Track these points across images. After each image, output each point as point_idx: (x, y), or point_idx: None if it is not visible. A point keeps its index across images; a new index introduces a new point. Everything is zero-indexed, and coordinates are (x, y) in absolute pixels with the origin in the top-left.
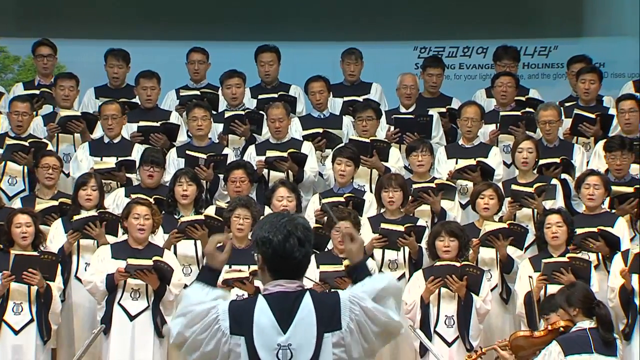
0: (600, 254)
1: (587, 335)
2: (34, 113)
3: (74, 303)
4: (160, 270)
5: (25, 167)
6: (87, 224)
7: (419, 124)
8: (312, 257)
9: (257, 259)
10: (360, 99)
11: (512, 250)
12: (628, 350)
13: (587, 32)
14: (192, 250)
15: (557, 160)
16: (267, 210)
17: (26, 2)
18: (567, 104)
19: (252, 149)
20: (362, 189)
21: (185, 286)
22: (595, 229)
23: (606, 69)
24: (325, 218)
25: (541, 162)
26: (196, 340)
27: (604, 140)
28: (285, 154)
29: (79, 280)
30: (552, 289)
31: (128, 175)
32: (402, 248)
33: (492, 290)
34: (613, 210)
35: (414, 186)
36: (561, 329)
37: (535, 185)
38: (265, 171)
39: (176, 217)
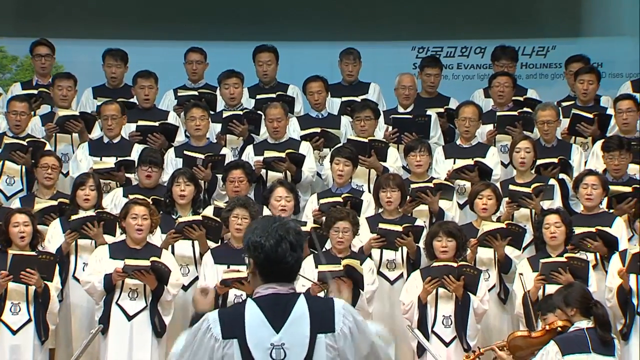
0: (598, 254)
1: (584, 335)
2: (32, 113)
3: (71, 303)
4: (158, 271)
5: (23, 167)
6: (85, 223)
7: (417, 124)
8: (311, 257)
9: (248, 263)
10: (359, 99)
11: (510, 250)
12: (626, 350)
13: (585, 32)
14: (190, 251)
15: (555, 160)
16: (266, 210)
17: (24, 1)
18: (565, 104)
19: (250, 149)
20: (361, 189)
21: (184, 286)
22: (593, 229)
23: (604, 69)
24: (324, 218)
25: (539, 162)
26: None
27: (602, 140)
28: (283, 155)
29: (77, 280)
30: (551, 289)
31: (127, 175)
32: (400, 248)
33: (490, 290)
34: (611, 210)
35: (412, 186)
36: (559, 329)
37: (533, 186)
38: (263, 171)
39: (174, 217)
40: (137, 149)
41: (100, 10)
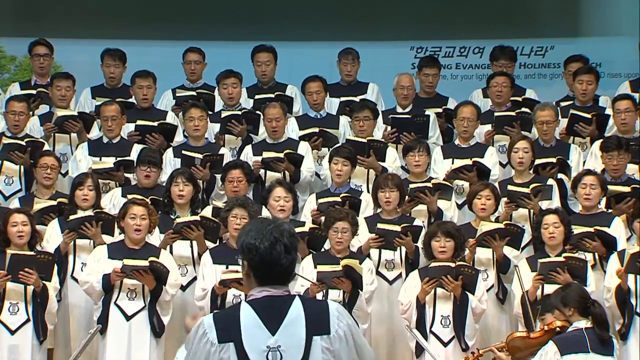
0: (596, 254)
1: (583, 334)
2: (31, 113)
3: (70, 303)
4: (156, 271)
5: (22, 167)
6: (83, 223)
7: (415, 123)
8: (309, 257)
9: (242, 265)
10: (357, 99)
11: (508, 251)
12: (624, 350)
13: (584, 32)
14: (188, 251)
15: (553, 160)
16: (264, 210)
17: (22, 1)
18: (563, 104)
19: (248, 149)
20: (359, 189)
21: (182, 287)
22: (591, 229)
23: (602, 69)
24: (323, 218)
25: (537, 162)
26: None
27: (601, 140)
28: (281, 155)
29: (75, 280)
30: (549, 289)
31: (126, 175)
32: (398, 248)
33: (488, 290)
34: (610, 210)
35: (411, 186)
36: (558, 329)
37: (531, 186)
38: (262, 171)
39: (172, 217)
40: (136, 149)
41: (99, 10)
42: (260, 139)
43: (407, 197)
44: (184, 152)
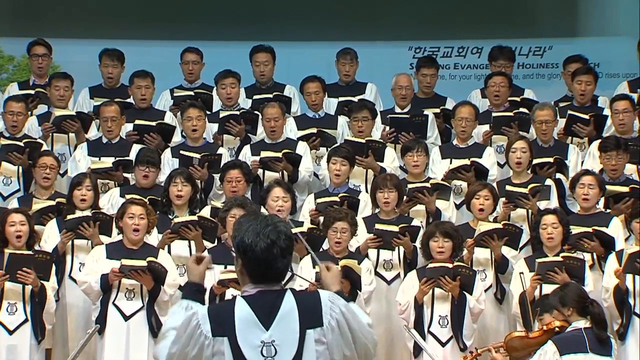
0: (595, 254)
1: (582, 334)
2: (29, 113)
3: (67, 303)
4: (155, 271)
5: (20, 167)
6: (81, 224)
7: (414, 123)
8: (308, 257)
9: (236, 261)
10: (355, 99)
11: (506, 251)
12: (623, 350)
13: (582, 32)
14: (186, 251)
15: (551, 159)
16: (263, 211)
17: (21, 1)
18: (562, 104)
19: (247, 149)
20: (358, 189)
21: (180, 287)
22: (590, 229)
23: (601, 69)
24: (321, 218)
25: (535, 161)
26: (183, 353)
27: (599, 141)
28: (279, 154)
29: (73, 280)
30: (547, 289)
31: (125, 175)
32: (396, 248)
33: (486, 290)
34: (608, 210)
35: (409, 186)
36: (556, 329)
37: (529, 186)
38: (260, 171)
39: (170, 217)
40: (135, 149)
41: (96, 11)
42: (258, 139)
43: (405, 197)
44: (181, 152)
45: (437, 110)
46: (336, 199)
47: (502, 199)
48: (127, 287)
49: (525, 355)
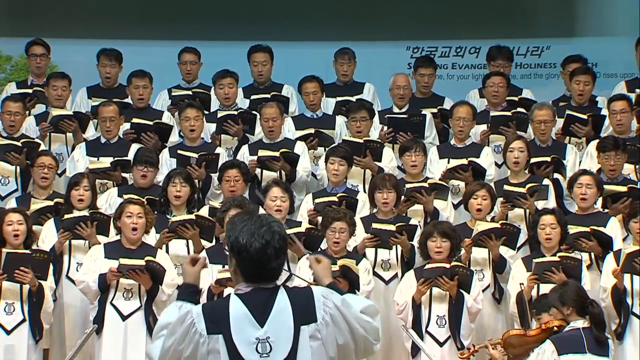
0: (592, 254)
1: (580, 335)
2: (27, 113)
3: (65, 303)
4: (153, 270)
5: (18, 167)
6: (78, 223)
7: (412, 123)
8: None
9: (229, 260)
10: (353, 99)
11: (504, 250)
12: (620, 350)
13: (580, 32)
14: (184, 250)
15: (548, 159)
16: (261, 211)
17: (19, 1)
18: (560, 104)
19: (245, 148)
20: (356, 189)
21: (179, 286)
22: (587, 229)
23: (599, 69)
24: (319, 218)
25: (532, 160)
26: (177, 351)
27: (597, 141)
28: (277, 154)
29: (71, 280)
30: (545, 288)
31: (123, 174)
32: (394, 247)
33: (484, 290)
34: (606, 210)
35: (407, 186)
36: (555, 328)
37: (527, 186)
38: (258, 171)
39: (168, 217)
40: (134, 149)
41: (95, 10)
42: (256, 139)
43: (403, 197)
44: (179, 151)
45: (435, 110)
46: (334, 199)
47: (500, 199)
48: (125, 287)
49: (522, 353)
